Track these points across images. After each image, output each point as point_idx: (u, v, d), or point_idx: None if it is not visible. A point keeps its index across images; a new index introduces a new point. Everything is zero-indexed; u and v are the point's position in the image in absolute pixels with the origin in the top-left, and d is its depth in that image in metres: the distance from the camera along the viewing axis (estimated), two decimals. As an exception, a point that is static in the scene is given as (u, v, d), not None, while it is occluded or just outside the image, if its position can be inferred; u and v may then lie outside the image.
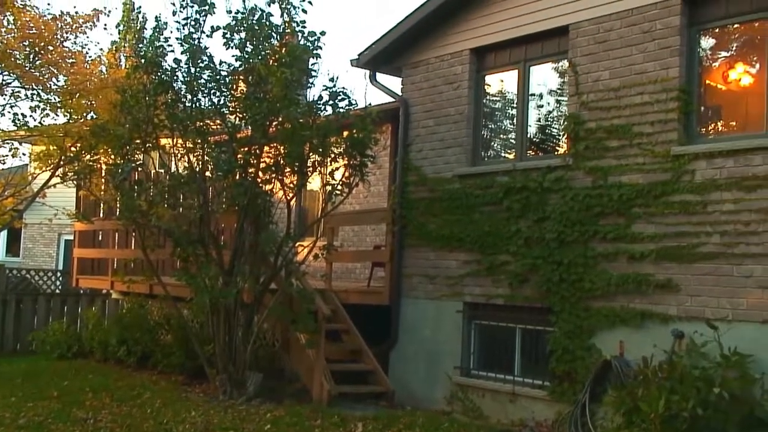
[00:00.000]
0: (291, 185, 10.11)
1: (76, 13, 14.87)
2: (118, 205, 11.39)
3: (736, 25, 7.91)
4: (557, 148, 9.45)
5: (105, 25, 40.31)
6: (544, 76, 9.60)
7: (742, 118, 7.88)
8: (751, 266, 7.24)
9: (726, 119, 8.12)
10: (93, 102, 14.65)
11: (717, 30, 8.05)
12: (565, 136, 8.99)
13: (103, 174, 11.89)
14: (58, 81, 14.78)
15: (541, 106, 9.71)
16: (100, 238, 15.18)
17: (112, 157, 10.89)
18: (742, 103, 7.99)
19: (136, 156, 10.54)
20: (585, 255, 8.47)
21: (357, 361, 10.48)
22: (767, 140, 7.20)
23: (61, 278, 20.95)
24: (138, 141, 10.18)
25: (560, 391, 8.50)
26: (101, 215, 14.75)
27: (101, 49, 18.46)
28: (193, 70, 9.79)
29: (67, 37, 14.83)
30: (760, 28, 7.63)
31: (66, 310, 15.29)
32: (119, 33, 32.32)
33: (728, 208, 7.43)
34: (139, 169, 10.99)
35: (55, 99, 14.82)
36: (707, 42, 8.16)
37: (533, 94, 9.66)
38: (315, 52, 9.82)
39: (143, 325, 12.52)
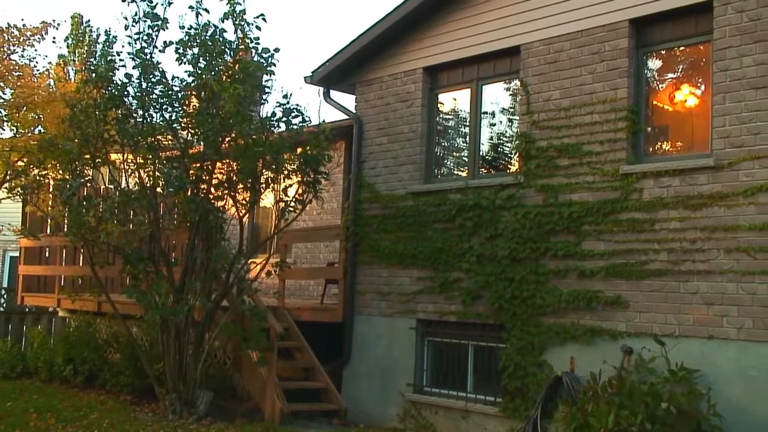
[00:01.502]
0: (244, 202, 10.07)
1: (24, 25, 14.64)
2: (65, 221, 11.18)
3: (681, 48, 8.12)
4: (509, 166, 9.56)
5: (54, 38, 39.81)
6: (497, 95, 9.72)
7: (688, 138, 8.07)
8: (697, 283, 7.40)
9: (673, 139, 8.30)
10: (41, 116, 14.38)
11: (664, 52, 8.25)
12: (517, 154, 9.11)
13: (51, 189, 11.67)
14: (4, 94, 14.49)
15: (494, 125, 9.82)
16: (47, 254, 14.90)
17: (61, 172, 10.71)
18: (688, 123, 8.19)
19: (85, 171, 10.37)
20: (536, 272, 8.56)
21: (310, 379, 10.43)
22: (712, 160, 7.38)
23: (5, 295, 20.41)
24: (87, 156, 10.03)
25: (512, 408, 8.55)
26: (48, 231, 14.48)
27: (50, 63, 18.16)
28: (144, 84, 9.72)
29: (14, 49, 14.56)
30: (704, 51, 7.84)
31: (10, 329, 14.91)
32: (68, 47, 31.87)
33: (675, 226, 7.59)
34: (88, 184, 10.81)
35: (0, 112, 14.52)
36: (654, 64, 8.36)
37: (486, 113, 9.77)
38: (269, 68, 9.83)
39: (91, 343, 12.29)
